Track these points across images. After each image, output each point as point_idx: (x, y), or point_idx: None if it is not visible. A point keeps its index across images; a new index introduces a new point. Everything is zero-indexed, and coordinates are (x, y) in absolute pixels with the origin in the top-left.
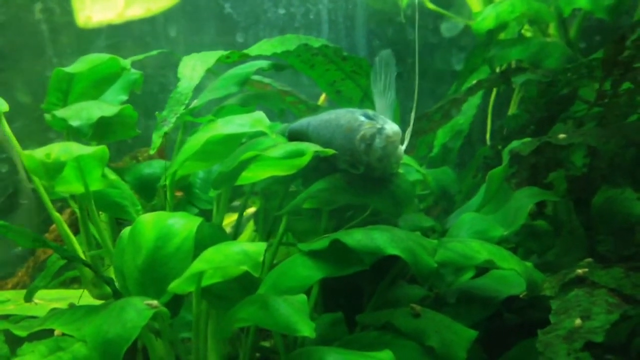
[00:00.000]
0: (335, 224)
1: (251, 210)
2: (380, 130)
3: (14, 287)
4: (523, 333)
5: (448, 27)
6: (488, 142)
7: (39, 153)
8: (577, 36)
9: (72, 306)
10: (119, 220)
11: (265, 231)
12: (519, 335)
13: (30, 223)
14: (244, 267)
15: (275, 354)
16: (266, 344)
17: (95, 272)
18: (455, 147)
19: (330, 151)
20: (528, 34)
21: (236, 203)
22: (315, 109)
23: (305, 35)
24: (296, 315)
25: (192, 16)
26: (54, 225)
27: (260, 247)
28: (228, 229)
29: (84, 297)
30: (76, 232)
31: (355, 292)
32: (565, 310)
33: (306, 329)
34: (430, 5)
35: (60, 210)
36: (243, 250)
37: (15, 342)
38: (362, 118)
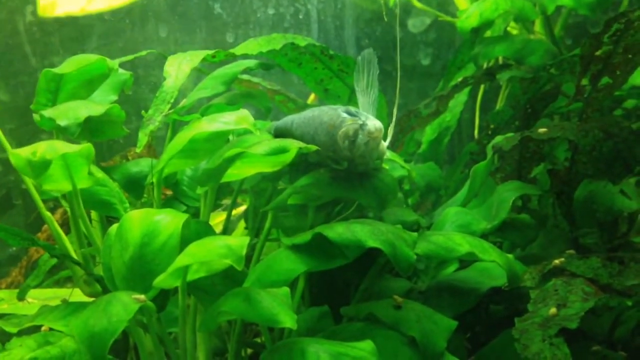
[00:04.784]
0: (322, 220)
1: (242, 208)
2: (362, 127)
3: (8, 287)
4: (509, 324)
5: (414, 22)
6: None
7: (25, 151)
8: (562, 33)
9: (64, 302)
10: (110, 218)
11: (255, 228)
12: (505, 326)
13: (25, 223)
14: (227, 261)
15: (265, 348)
16: (259, 340)
17: (85, 270)
18: (443, 143)
19: (313, 147)
20: (514, 32)
21: (227, 201)
22: (304, 108)
23: (294, 35)
24: (278, 307)
25: (183, 17)
26: (46, 225)
27: (243, 241)
28: (219, 228)
29: (77, 295)
30: (68, 231)
31: (342, 286)
32: (542, 299)
33: (288, 320)
34: (417, 4)
35: (53, 210)
36: (226, 244)
37: (7, 340)
38: (344, 115)
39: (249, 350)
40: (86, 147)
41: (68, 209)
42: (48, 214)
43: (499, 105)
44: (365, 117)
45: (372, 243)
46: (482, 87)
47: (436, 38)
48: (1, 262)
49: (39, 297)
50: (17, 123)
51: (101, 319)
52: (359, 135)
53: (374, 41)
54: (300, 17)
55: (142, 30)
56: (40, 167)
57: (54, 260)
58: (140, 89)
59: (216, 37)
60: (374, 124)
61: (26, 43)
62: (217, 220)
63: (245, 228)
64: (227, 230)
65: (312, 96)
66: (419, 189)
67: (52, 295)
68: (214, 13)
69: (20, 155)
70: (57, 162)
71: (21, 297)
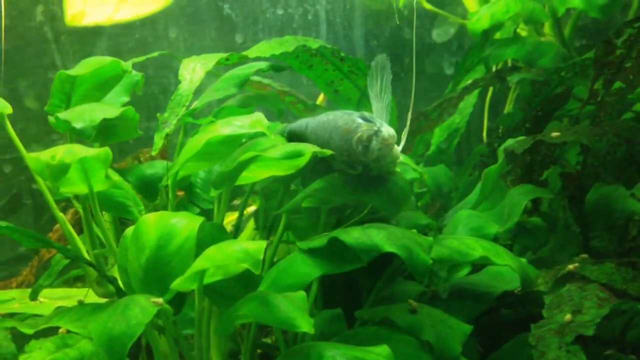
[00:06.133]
0: (334, 221)
1: (252, 208)
2: (377, 133)
3: (18, 286)
4: (520, 328)
5: (439, 32)
6: (485, 140)
7: (44, 155)
8: (572, 35)
9: (80, 303)
10: (122, 219)
11: (265, 229)
12: (517, 330)
13: (34, 222)
14: (245, 265)
15: (276, 350)
16: (268, 340)
17: (99, 271)
18: (452, 145)
19: (329, 152)
20: (523, 33)
21: (237, 202)
22: (313, 109)
23: (303, 36)
24: (295, 311)
25: (192, 17)
26: (57, 225)
27: (260, 245)
28: (229, 228)
29: (88, 295)
30: (80, 232)
31: (354, 289)
32: (557, 305)
33: (305, 324)
34: (427, 5)
35: (64, 210)
36: (243, 248)
37: (21, 340)
38: (359, 120)
39: (258, 350)
40: (104, 151)
41: (80, 210)
42: (61, 214)
43: (508, 107)
44: (379, 124)
45: (388, 248)
46: (490, 89)
47: (446, 41)
48: (11, 261)
49: (49, 297)
50: (26, 124)
51: (120, 322)
52: (373, 141)
53: (382, 42)
54: (309, 17)
55: (151, 30)
56: (59, 171)
57: (66, 261)
58: (150, 89)
59: (225, 38)
60: (387, 130)
61: (37, 45)
62: (228, 220)
63: (255, 229)
64: (238, 230)
65: (320, 97)
66: (430, 192)
67: (63, 295)
68: (223, 14)
69: (39, 159)
70: (74, 166)
71: (34, 297)
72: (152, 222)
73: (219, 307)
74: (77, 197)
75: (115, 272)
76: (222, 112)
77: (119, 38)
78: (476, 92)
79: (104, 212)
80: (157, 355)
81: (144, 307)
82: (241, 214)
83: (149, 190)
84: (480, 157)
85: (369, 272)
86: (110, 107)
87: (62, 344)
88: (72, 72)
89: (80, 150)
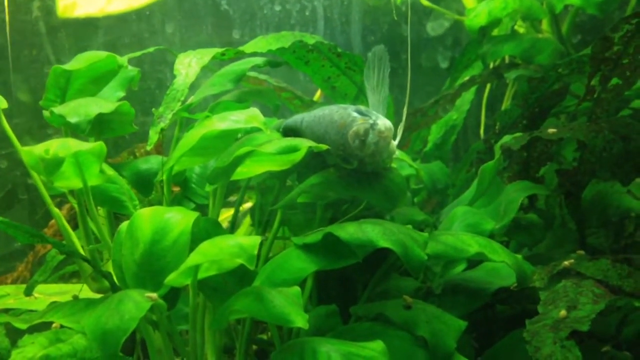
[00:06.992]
0: (330, 216)
1: (248, 205)
2: (373, 126)
3: (14, 282)
4: (516, 324)
5: (434, 26)
6: (482, 137)
7: (38, 149)
8: (569, 32)
9: (75, 298)
10: (117, 214)
11: (261, 225)
12: (512, 326)
13: (29, 217)
14: (239, 260)
15: (271, 346)
16: (263, 336)
17: (94, 266)
18: (449, 142)
19: (324, 146)
20: (521, 30)
21: (233, 198)
22: (310, 105)
23: (300, 31)
24: (290, 306)
25: (189, 13)
26: (53, 220)
27: (254, 240)
28: (225, 224)
29: (83, 291)
30: (75, 227)
31: (349, 285)
32: (553, 300)
33: (299, 320)
34: (424, 2)
35: (59, 206)
36: (238, 243)
37: (15, 336)
38: (355, 114)
39: (254, 347)
40: (98, 145)
41: (75, 205)
42: (56, 210)
43: (505, 104)
44: (375, 117)
45: (383, 243)
46: (488, 85)
47: (442, 36)
48: (7, 257)
49: (44, 292)
50: (21, 119)
51: (113, 316)
52: (370, 135)
53: (380, 38)
54: (307, 13)
55: (148, 25)
56: (53, 165)
57: (62, 256)
58: (146, 84)
59: (222, 33)
60: (384, 123)
61: (32, 39)
62: (223, 216)
63: (251, 225)
64: (234, 226)
65: (318, 93)
66: (426, 188)
67: (58, 291)
68: (220, 9)
69: (33, 152)
70: (68, 160)
71: (29, 293)
72: (146, 217)
73: (214, 302)
74: (72, 192)
75: (110, 268)
76: (218, 107)
77: (114, 33)
78: (473, 88)
79: (98, 207)
80: (151, 351)
81: (137, 302)
82: (237, 210)
83: (144, 185)
84: (477, 154)
85: (364, 268)
86: (106, 101)
87: (55, 338)
88: (67, 66)
89: (74, 144)
